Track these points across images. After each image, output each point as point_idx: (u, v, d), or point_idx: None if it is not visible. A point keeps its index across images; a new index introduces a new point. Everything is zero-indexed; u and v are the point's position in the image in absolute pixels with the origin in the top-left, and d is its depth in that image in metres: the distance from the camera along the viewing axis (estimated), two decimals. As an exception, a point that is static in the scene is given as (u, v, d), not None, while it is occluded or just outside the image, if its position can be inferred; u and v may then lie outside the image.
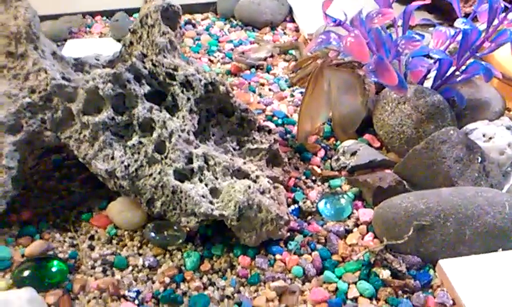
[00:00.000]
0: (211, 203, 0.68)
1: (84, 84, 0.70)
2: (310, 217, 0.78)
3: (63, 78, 0.71)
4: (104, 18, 1.35)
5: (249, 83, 1.10)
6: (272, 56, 1.21)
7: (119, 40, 1.21)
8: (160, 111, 0.72)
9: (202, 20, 1.37)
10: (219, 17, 1.37)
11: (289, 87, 1.10)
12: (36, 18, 0.72)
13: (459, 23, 0.85)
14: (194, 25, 1.33)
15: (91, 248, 0.70)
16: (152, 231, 0.71)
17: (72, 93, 0.70)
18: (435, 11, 1.31)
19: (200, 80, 0.73)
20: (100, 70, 0.70)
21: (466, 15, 1.08)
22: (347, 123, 0.92)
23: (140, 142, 0.71)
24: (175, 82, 0.73)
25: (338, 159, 0.88)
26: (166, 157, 0.70)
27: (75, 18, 1.29)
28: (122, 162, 0.70)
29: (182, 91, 0.72)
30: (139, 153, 0.70)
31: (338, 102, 0.90)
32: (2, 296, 0.51)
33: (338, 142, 0.93)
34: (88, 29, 1.29)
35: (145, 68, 0.72)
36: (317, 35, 0.89)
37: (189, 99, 0.73)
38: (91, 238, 0.72)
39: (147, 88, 0.72)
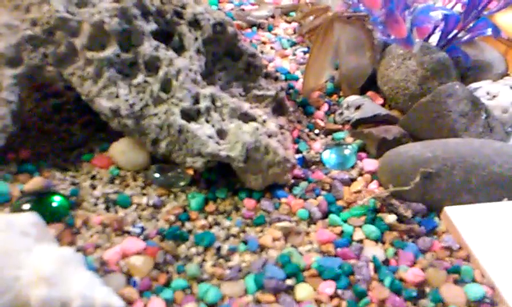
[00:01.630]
0: (218, 143, 0.67)
1: (89, 18, 0.67)
2: (313, 167, 0.77)
3: (67, 11, 0.69)
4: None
5: (251, 41, 1.09)
6: (273, 17, 1.19)
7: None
8: (167, 50, 0.70)
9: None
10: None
11: (291, 46, 1.08)
12: None
13: (468, -22, 0.84)
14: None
15: (93, 187, 0.68)
16: (156, 172, 0.70)
17: (76, 27, 0.68)
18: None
19: (209, 20, 0.71)
20: (106, 3, 0.67)
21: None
22: (354, 78, 0.91)
23: (146, 81, 0.69)
24: (182, 21, 0.71)
25: (341, 113, 0.88)
26: (172, 96, 0.68)
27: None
28: (127, 101, 0.68)
29: (190, 31, 0.71)
30: (144, 91, 0.69)
31: (346, 55, 0.89)
32: (4, 218, 0.49)
33: (342, 98, 0.92)
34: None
35: (153, 4, 0.70)
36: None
37: (196, 39, 0.71)
38: (93, 177, 0.70)
39: (154, 26, 0.70)
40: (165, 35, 0.72)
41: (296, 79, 0.96)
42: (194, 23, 0.71)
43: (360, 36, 0.87)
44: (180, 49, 0.72)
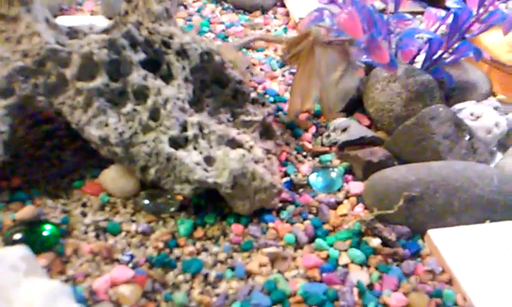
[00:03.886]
0: (205, 170, 0.69)
1: (78, 49, 0.69)
2: (301, 190, 0.78)
3: (57, 42, 0.70)
4: (95, -5, 1.34)
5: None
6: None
7: (110, 18, 1.20)
8: (155, 79, 0.72)
9: (193, 2, 1.37)
10: (210, 0, 1.37)
11: (280, 67, 1.10)
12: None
13: (451, 2, 0.86)
14: (185, 7, 1.32)
15: (84, 214, 0.70)
16: (145, 199, 0.71)
17: (66, 58, 0.70)
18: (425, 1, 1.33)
19: (196, 49, 0.73)
20: (95, 35, 0.69)
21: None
22: (333, 101, 0.92)
23: (134, 110, 0.70)
24: (170, 50, 0.73)
25: (328, 135, 0.89)
26: (160, 125, 0.70)
27: (65, -6, 1.28)
28: (116, 129, 0.69)
29: (178, 60, 0.73)
30: (133, 120, 0.70)
31: (326, 79, 0.90)
32: (-5, 252, 0.50)
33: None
34: (78, 6, 1.28)
35: (141, 35, 0.72)
36: (311, 12, 0.90)
37: (184, 68, 0.73)
38: (84, 205, 0.71)
39: (142, 55, 0.72)
40: (153, 64, 0.74)
41: (285, 101, 0.98)
42: (182, 53, 0.73)
43: (339, 60, 0.89)
44: (168, 78, 0.73)
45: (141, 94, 0.71)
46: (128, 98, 0.71)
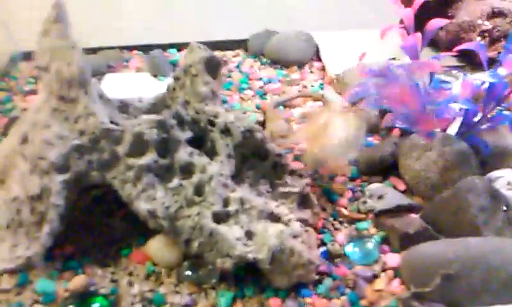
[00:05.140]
0: (246, 245, 0.72)
1: (130, 129, 0.74)
2: (338, 259, 0.81)
3: (111, 122, 0.76)
4: (140, 52, 1.41)
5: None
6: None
7: (155, 76, 1.27)
8: (200, 155, 0.76)
9: (233, 57, 1.42)
10: (249, 55, 1.43)
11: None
12: (87, 65, 0.77)
13: (486, 76, 0.88)
14: (226, 62, 1.38)
15: (131, 284, 0.74)
16: (188, 270, 0.75)
17: (119, 137, 0.75)
18: (458, 54, 1.34)
19: (238, 127, 0.77)
20: (146, 116, 0.74)
21: (490, 60, 1.11)
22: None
23: (180, 185, 0.75)
24: (214, 129, 0.77)
25: (365, 202, 0.91)
26: (204, 200, 0.74)
27: (112, 52, 1.35)
28: (163, 203, 0.74)
29: (221, 137, 0.77)
30: (179, 194, 0.74)
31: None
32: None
33: (365, 183, 0.96)
34: (125, 63, 1.36)
35: (188, 114, 0.76)
36: (353, 86, 0.94)
37: (227, 145, 0.77)
38: (130, 274, 0.76)
39: (189, 134, 0.77)
40: (198, 140, 0.78)
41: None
42: (226, 131, 0.77)
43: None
44: (212, 153, 0.78)
45: (187, 170, 0.76)
46: (175, 173, 0.75)
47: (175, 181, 0.75)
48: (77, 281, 0.72)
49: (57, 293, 0.71)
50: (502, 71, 0.92)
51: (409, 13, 0.99)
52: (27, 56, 1.36)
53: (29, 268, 0.74)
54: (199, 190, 0.74)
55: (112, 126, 0.75)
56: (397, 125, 0.99)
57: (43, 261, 0.75)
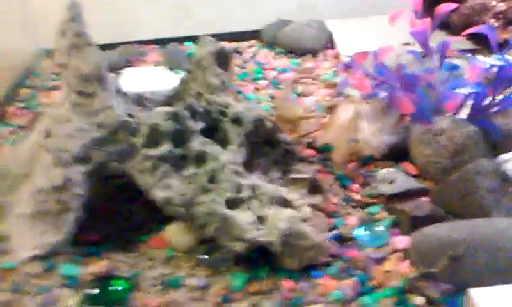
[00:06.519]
0: (258, 229, 0.75)
1: (146, 121, 0.78)
2: (349, 243, 0.83)
3: (128, 115, 0.80)
4: (157, 46, 1.45)
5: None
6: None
7: (171, 68, 1.31)
8: (213, 145, 0.79)
9: (248, 47, 1.45)
10: (264, 45, 1.45)
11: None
12: (103, 61, 0.81)
13: (495, 59, 0.89)
14: (240, 53, 1.41)
15: (150, 268, 0.78)
16: (204, 253, 0.79)
17: (135, 129, 0.79)
18: (473, 37, 1.34)
19: (248, 117, 0.80)
20: (161, 108, 0.78)
21: (505, 42, 1.11)
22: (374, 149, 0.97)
23: (195, 173, 0.78)
24: (226, 119, 0.80)
25: (376, 187, 0.94)
26: (217, 187, 0.77)
27: (130, 47, 1.40)
28: (179, 191, 0.78)
29: (233, 127, 0.80)
30: (194, 182, 0.78)
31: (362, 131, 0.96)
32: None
33: (377, 168, 0.98)
34: (143, 57, 1.40)
35: (200, 106, 0.80)
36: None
37: (238, 134, 0.80)
38: (150, 258, 0.80)
39: (202, 124, 0.80)
40: (211, 130, 0.82)
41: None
42: (236, 121, 0.80)
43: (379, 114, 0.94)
44: (224, 142, 0.81)
45: (201, 159, 0.79)
46: (189, 162, 0.79)
47: (190, 170, 0.79)
48: (100, 266, 0.77)
49: (82, 277, 0.76)
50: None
51: (417, -1, 1.00)
52: (49, 53, 1.42)
53: (55, 255, 0.79)
54: (212, 178, 0.78)
55: (129, 119, 0.79)
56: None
57: (68, 247, 0.80)
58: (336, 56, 1.39)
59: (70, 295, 0.73)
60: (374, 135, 0.96)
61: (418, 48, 1.03)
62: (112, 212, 0.88)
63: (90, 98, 0.81)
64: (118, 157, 0.80)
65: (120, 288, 0.72)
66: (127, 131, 0.79)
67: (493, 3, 1.30)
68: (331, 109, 0.97)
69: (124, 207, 0.89)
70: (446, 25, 1.34)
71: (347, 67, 0.92)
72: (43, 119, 0.87)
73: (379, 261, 0.79)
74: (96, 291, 0.71)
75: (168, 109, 0.78)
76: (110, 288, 0.72)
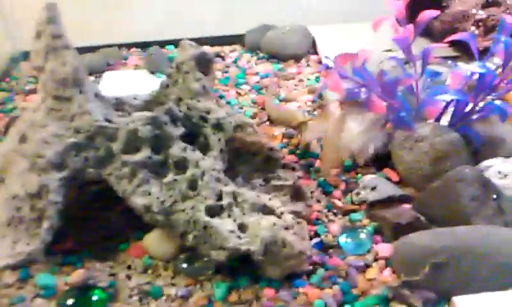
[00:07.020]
0: (239, 237, 0.74)
1: (124, 126, 0.76)
2: (331, 251, 0.82)
3: (106, 119, 0.78)
4: (139, 49, 1.43)
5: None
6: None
7: (153, 72, 1.29)
8: (194, 151, 0.78)
9: (230, 52, 1.44)
10: (246, 50, 1.44)
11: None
12: (81, 64, 0.79)
13: (475, 66, 0.89)
14: (223, 58, 1.40)
15: (129, 277, 0.76)
16: (184, 262, 0.77)
17: (113, 134, 0.77)
18: (454, 44, 1.35)
19: (230, 123, 0.79)
20: (140, 113, 0.76)
21: (485, 49, 1.12)
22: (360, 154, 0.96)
23: (175, 180, 0.77)
24: (207, 124, 0.79)
25: (358, 193, 0.93)
26: (198, 194, 0.76)
27: (111, 50, 1.37)
28: (158, 198, 0.76)
29: (214, 133, 0.79)
30: (173, 189, 0.76)
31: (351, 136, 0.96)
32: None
33: (359, 175, 0.98)
34: (124, 61, 1.37)
35: (180, 111, 0.78)
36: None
37: (219, 140, 0.79)
38: (129, 267, 0.78)
39: (182, 129, 0.78)
40: (191, 136, 0.80)
41: (316, 157, 1.02)
42: (217, 126, 0.79)
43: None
44: (205, 148, 0.80)
45: (181, 165, 0.77)
46: (169, 169, 0.77)
47: (169, 177, 0.77)
48: (77, 275, 0.74)
49: (58, 287, 0.73)
50: (497, 60, 0.94)
51: (400, 5, 1.00)
52: (28, 56, 1.38)
53: (29, 264, 0.76)
54: (193, 184, 0.76)
55: (107, 123, 0.77)
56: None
57: (44, 256, 0.77)
58: (319, 62, 1.39)
59: (46, 305, 0.71)
60: (358, 138, 0.96)
61: (400, 54, 1.03)
62: (90, 220, 0.85)
63: (67, 102, 0.79)
64: (96, 162, 0.78)
65: (97, 298, 0.70)
66: (104, 136, 0.77)
67: (474, 11, 1.31)
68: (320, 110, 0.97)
69: (102, 214, 0.87)
70: (428, 32, 1.35)
71: (327, 68, 0.92)
72: (19, 123, 0.85)
73: (362, 269, 0.78)
74: (72, 301, 0.69)
75: (147, 113, 0.76)
76: (87, 298, 0.70)
